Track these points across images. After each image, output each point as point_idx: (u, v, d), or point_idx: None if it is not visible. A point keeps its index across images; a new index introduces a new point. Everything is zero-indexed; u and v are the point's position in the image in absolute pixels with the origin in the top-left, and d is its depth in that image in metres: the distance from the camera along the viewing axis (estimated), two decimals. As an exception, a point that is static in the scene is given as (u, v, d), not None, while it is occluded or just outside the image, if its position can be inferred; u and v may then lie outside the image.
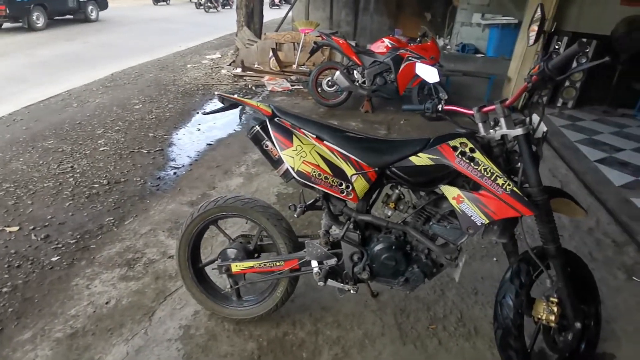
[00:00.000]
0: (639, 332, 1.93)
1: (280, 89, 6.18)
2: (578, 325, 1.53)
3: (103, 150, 3.79)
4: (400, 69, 4.89)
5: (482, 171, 1.38)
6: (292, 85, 6.32)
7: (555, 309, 1.46)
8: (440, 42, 8.12)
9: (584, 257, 2.44)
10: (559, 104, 5.76)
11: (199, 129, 4.54)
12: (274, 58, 6.68)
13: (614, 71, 5.43)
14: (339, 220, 1.64)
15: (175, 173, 3.43)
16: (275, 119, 1.58)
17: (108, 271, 2.23)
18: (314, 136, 1.55)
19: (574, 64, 5.24)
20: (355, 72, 5.11)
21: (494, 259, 2.43)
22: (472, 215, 1.42)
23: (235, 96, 1.65)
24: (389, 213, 1.61)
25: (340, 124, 4.88)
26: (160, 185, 3.21)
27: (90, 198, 2.98)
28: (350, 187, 1.52)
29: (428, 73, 1.72)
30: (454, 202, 1.44)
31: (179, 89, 5.90)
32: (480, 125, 1.51)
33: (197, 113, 5.00)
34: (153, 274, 2.19)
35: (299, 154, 1.51)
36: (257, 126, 1.59)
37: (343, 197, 1.53)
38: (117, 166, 3.47)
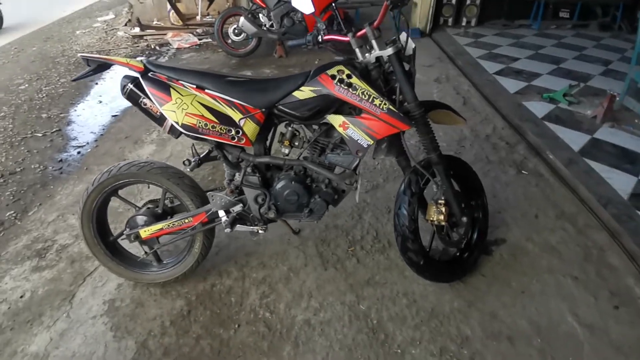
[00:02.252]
0: (525, 217, 2.22)
1: (187, 45, 5.77)
2: (465, 220, 1.73)
3: (-11, 141, 3.38)
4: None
5: (360, 95, 1.44)
6: (199, 39, 5.92)
7: (443, 209, 1.63)
8: (347, -27, 7.89)
9: (482, 161, 2.72)
10: (463, 24, 5.99)
11: (100, 101, 4.18)
12: (173, 11, 6.14)
13: (507, -16, 5.69)
14: (239, 167, 1.65)
15: (79, 152, 3.18)
16: (149, 74, 1.50)
17: (17, 266, 2.10)
18: (194, 86, 1.50)
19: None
20: (260, 15, 4.86)
21: (406, 178, 2.61)
22: (358, 139, 1.49)
23: (100, 55, 1.52)
24: (286, 151, 1.64)
25: (254, 72, 4.78)
26: (64, 168, 2.97)
27: (-17, 196, 2.70)
28: (241, 132, 1.51)
29: (302, 4, 1.69)
30: (340, 130, 1.50)
31: (70, 60, 5.29)
32: (357, 50, 1.54)
33: (96, 84, 4.57)
34: (67, 258, 2.09)
35: (180, 107, 1.46)
36: (129, 84, 1.50)
37: (235, 144, 1.53)
38: (9, 156, 3.13)
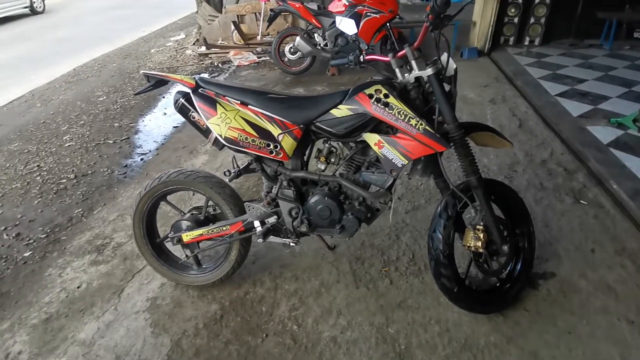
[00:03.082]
0: (580, 250, 2.05)
1: (246, 63, 6.10)
2: (506, 248, 1.64)
3: (69, 145, 3.81)
4: (360, 25, 4.82)
5: (397, 114, 1.44)
6: (258, 58, 6.24)
7: (481, 235, 1.56)
8: (405, -6, 7.94)
9: (535, 188, 2.57)
10: (526, 43, 5.73)
11: (165, 113, 4.54)
12: (236, 31, 6.55)
13: (577, 2, 5.38)
14: (276, 180, 1.71)
15: (142, 159, 3.47)
16: (199, 90, 1.62)
17: (79, 259, 2.32)
18: (238, 102, 1.59)
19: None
20: (316, 35, 5.04)
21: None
22: (392, 158, 1.49)
23: (159, 72, 1.68)
24: (323, 167, 1.68)
25: (306, 89, 4.93)
26: (128, 173, 3.26)
27: (59, 193, 3.04)
28: (279, 147, 1.58)
29: (347, 26, 1.74)
30: (375, 148, 1.51)
31: (143, 76, 5.81)
32: (397, 70, 1.55)
33: (163, 97, 4.97)
34: (121, 255, 2.28)
35: (224, 121, 1.56)
36: (181, 99, 1.63)
37: (273, 157, 1.60)
38: (83, 160, 3.50)
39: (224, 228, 1.76)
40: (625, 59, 4.91)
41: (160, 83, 1.70)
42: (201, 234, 1.78)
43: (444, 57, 1.52)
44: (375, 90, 1.48)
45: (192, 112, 1.62)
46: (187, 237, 1.80)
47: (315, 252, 2.15)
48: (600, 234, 2.14)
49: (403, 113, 1.44)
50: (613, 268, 1.92)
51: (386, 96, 1.46)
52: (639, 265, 1.92)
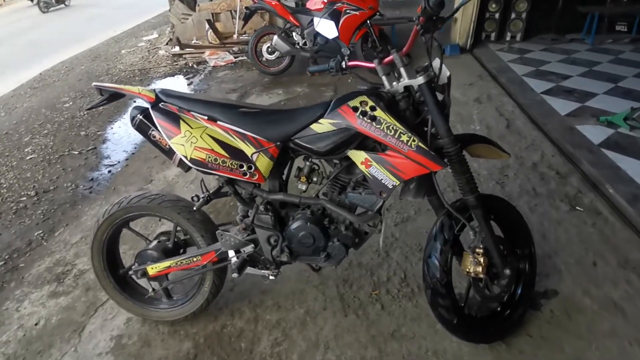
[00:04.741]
0: (581, 264, 1.93)
1: (223, 63, 5.85)
2: (508, 272, 1.49)
3: (30, 158, 3.52)
4: (340, 23, 4.63)
5: (385, 129, 1.27)
6: (235, 57, 5.99)
7: (481, 259, 1.41)
8: (385, -11, 7.79)
9: (528, 194, 2.44)
10: (507, 39, 5.65)
11: (136, 119, 4.28)
12: (211, 30, 6.28)
13: (557, -4, 5.33)
14: (253, 203, 1.52)
15: (110, 171, 3.22)
16: (160, 105, 1.41)
17: (37, 290, 2.08)
18: (205, 117, 1.39)
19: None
20: (294, 34, 4.82)
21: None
22: (382, 179, 1.32)
23: (112, 85, 1.46)
24: (304, 187, 1.49)
25: (286, 90, 4.72)
26: (94, 187, 3.00)
27: (18, 213, 2.77)
28: (253, 168, 1.39)
29: (327, 28, 1.55)
30: (362, 167, 1.34)
31: (112, 78, 5.50)
32: (384, 78, 1.39)
33: (134, 102, 4.68)
34: (83, 285, 2.05)
35: (189, 140, 1.36)
36: (139, 115, 1.42)
37: (247, 180, 1.41)
38: (45, 174, 3.23)
39: (195, 259, 1.56)
40: (609, 53, 4.87)
41: (114, 96, 1.48)
42: (169, 266, 1.58)
43: (436, 62, 1.35)
44: (361, 103, 1.30)
45: (152, 130, 1.41)
46: (152, 269, 1.59)
47: (298, 274, 1.97)
48: (601, 244, 2.02)
49: (392, 128, 1.27)
50: (618, 283, 1.80)
51: (373, 109, 1.29)
52: (644, 279, 1.81)
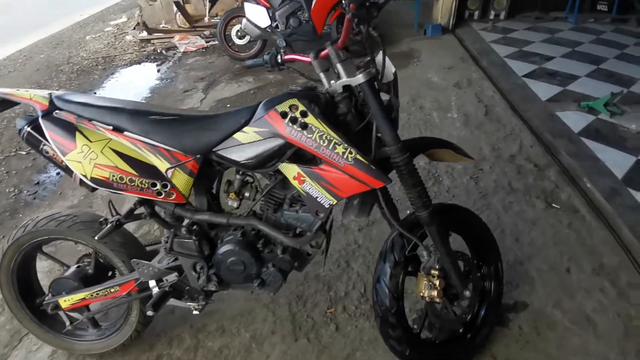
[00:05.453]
0: (554, 270, 1.77)
1: (194, 48, 5.52)
2: (468, 293, 1.32)
3: (-27, 160, 3.24)
4: (313, 4, 4.33)
5: (318, 139, 1.07)
6: (206, 42, 5.65)
7: (437, 282, 1.24)
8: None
9: (503, 190, 2.27)
10: (491, 17, 5.40)
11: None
12: (180, 13, 5.91)
13: (541, -28, 5.06)
14: (178, 224, 1.32)
15: (58, 173, 2.97)
16: (54, 113, 1.18)
17: (-39, 315, 1.87)
18: (110, 127, 1.17)
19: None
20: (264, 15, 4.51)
21: (408, 212, 2.20)
22: (317, 197, 1.12)
23: (5, 90, 1.23)
24: (235, 204, 1.29)
25: (257, 78, 4.44)
26: (39, 192, 2.76)
27: (-48, 224, 2.53)
28: (169, 186, 1.18)
29: (258, 16, 1.32)
30: (295, 183, 1.14)
31: (73, 67, 5.15)
32: (322, 75, 1.18)
33: (95, 94, 4.38)
34: (10, 311, 1.84)
35: (87, 156, 1.14)
36: (26, 127, 1.19)
37: (163, 200, 1.20)
38: (-13, 178, 2.97)
39: (113, 290, 1.36)
40: (591, 32, 4.66)
41: (5, 104, 1.25)
42: (83, 298, 1.38)
43: (380, 57, 1.14)
44: (290, 107, 1.09)
45: (44, 144, 1.18)
46: (65, 302, 1.39)
47: (247, 291, 1.79)
48: (576, 246, 1.87)
49: (326, 137, 1.07)
50: (591, 293, 1.65)
51: (304, 114, 1.08)
52: (619, 289, 1.66)
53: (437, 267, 1.25)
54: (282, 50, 1.29)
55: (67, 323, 1.47)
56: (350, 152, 1.06)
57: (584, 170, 2.31)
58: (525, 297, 1.66)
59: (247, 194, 1.28)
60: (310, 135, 1.07)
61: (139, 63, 5.26)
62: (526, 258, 1.83)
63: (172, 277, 1.32)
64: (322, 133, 1.07)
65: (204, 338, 1.61)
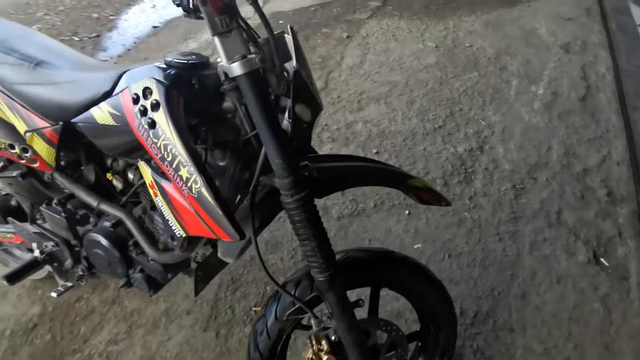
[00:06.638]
0: (548, 355, 1.30)
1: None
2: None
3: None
4: None
5: (162, 150, 0.74)
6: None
7: (324, 358, 0.92)
8: None
9: (546, 218, 1.73)
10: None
11: (154, 5, 3.90)
12: None
13: None
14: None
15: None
16: None
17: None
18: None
19: None
20: None
21: (406, 211, 1.79)
22: (168, 219, 0.83)
23: None
24: (120, 186, 1.05)
25: None
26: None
27: None
28: (30, 151, 0.97)
29: None
30: (151, 192, 0.85)
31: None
32: (216, 42, 0.76)
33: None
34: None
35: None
36: None
37: (26, 164, 1.00)
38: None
39: (9, 236, 1.28)
40: None
41: None
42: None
43: (285, 41, 0.71)
44: (144, 90, 0.75)
45: None
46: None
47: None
48: (595, 333, 1.34)
49: (171, 150, 0.73)
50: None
51: (155, 107, 0.74)
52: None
53: (330, 338, 0.92)
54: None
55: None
56: (195, 182, 0.72)
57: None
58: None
59: (130, 176, 1.02)
60: (156, 141, 0.74)
61: None
62: (520, 327, 1.37)
63: (51, 246, 1.18)
64: (167, 141, 0.73)
65: (125, 295, 1.54)
